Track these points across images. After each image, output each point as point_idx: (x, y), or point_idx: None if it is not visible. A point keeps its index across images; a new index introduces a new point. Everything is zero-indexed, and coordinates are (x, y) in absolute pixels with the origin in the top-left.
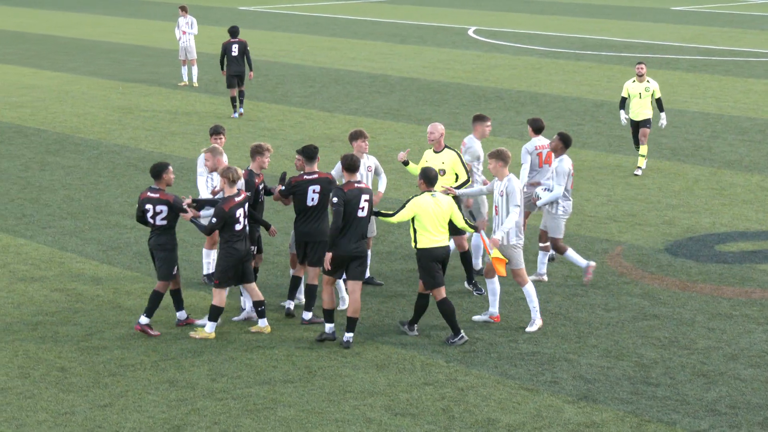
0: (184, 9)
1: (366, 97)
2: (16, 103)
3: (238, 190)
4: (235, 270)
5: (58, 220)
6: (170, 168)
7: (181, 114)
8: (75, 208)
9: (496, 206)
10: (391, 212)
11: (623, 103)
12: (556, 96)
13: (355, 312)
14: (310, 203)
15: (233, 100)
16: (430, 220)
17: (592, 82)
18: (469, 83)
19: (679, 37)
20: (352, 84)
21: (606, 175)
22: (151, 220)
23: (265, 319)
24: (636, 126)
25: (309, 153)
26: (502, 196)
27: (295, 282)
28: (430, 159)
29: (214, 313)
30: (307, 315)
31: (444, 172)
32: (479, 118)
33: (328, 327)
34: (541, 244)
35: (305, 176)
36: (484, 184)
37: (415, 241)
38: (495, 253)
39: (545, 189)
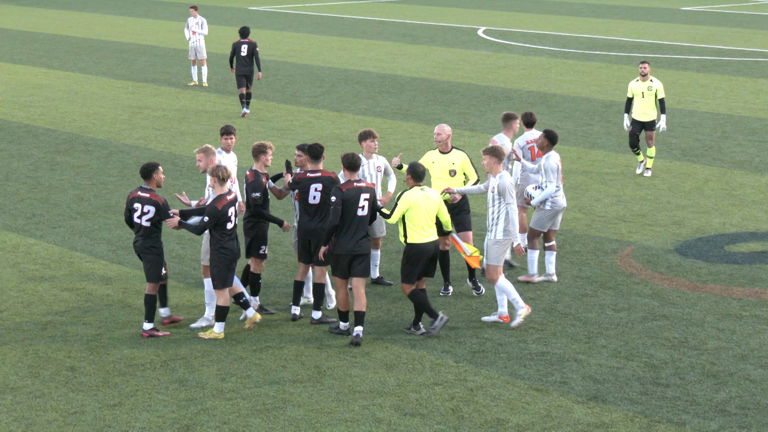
0: (195, 8)
1: (375, 97)
2: (25, 103)
3: (229, 189)
4: (231, 269)
5: (68, 220)
6: (160, 168)
7: (191, 114)
8: (85, 208)
9: (488, 203)
10: (388, 213)
11: (629, 104)
12: (566, 96)
13: (361, 306)
14: (312, 201)
15: (242, 97)
16: (421, 214)
17: (602, 82)
18: (478, 83)
19: (689, 38)
20: (361, 84)
21: (615, 175)
22: (138, 220)
23: (252, 309)
24: (640, 126)
25: (314, 152)
26: (493, 192)
27: (299, 287)
28: (437, 160)
29: (221, 314)
30: (317, 314)
31: (455, 172)
32: (511, 117)
33: (343, 325)
34: (546, 244)
35: (308, 174)
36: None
37: (405, 236)
38: (471, 252)
39: (536, 187)
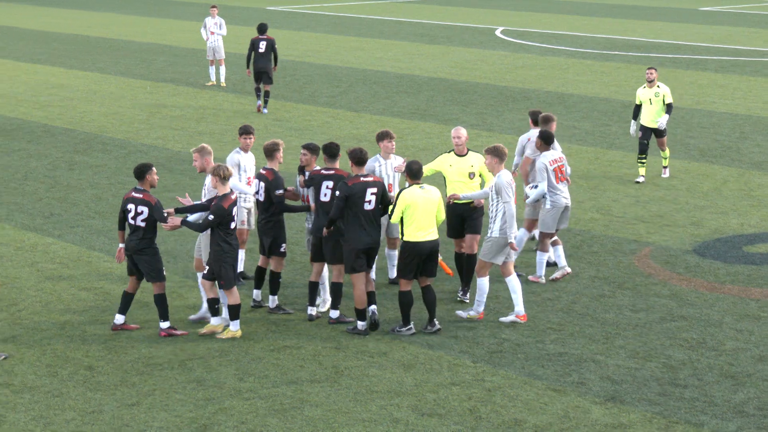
0: (215, 8)
1: (393, 97)
2: (44, 103)
3: (231, 189)
4: (235, 268)
5: (86, 219)
6: (154, 169)
7: (209, 114)
8: (103, 207)
9: (489, 201)
10: (389, 212)
11: (637, 111)
12: (584, 96)
13: (371, 287)
14: (322, 198)
15: (257, 90)
16: (420, 212)
17: (620, 82)
18: (496, 83)
19: (707, 38)
20: (379, 84)
21: (634, 176)
22: (132, 221)
23: (219, 318)
24: (650, 133)
25: (330, 151)
26: (492, 191)
27: (313, 287)
28: (455, 163)
29: (234, 312)
30: (335, 314)
31: (474, 175)
32: (549, 119)
33: (360, 324)
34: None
35: (323, 171)
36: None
37: (402, 234)
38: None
39: (532, 187)
